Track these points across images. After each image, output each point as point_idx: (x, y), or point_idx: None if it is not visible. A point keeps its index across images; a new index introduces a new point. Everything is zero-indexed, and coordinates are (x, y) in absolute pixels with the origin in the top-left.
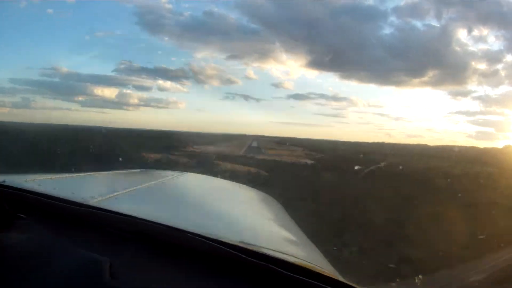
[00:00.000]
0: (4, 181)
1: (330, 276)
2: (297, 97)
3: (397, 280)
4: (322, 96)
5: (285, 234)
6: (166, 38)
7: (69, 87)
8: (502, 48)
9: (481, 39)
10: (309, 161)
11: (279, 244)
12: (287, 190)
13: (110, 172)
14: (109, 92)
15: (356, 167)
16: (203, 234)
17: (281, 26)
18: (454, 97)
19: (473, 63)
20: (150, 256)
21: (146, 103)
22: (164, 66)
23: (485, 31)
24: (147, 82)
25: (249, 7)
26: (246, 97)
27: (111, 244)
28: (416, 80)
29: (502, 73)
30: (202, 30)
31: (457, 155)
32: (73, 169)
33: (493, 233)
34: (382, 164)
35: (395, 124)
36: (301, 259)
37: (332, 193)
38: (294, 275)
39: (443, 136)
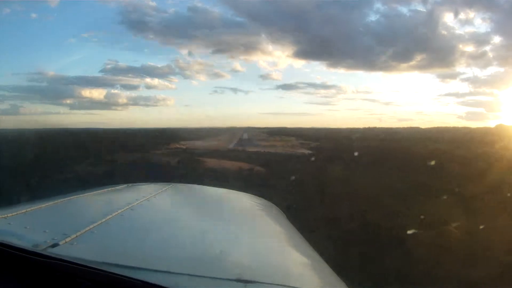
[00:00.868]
0: None
1: None
2: (286, 87)
3: None
4: (310, 85)
5: (290, 255)
6: (151, 36)
7: (56, 90)
8: (489, 30)
9: (467, 22)
10: (306, 151)
11: (283, 274)
12: (292, 193)
13: (89, 193)
14: (97, 93)
15: (356, 154)
16: None
17: (266, 17)
18: (443, 80)
19: (460, 45)
20: None
21: (135, 102)
22: (151, 64)
23: (471, 13)
24: (135, 80)
25: (234, 0)
26: (234, 90)
27: None
28: (404, 65)
29: (490, 54)
30: (187, 26)
31: (454, 136)
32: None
33: None
34: (387, 150)
35: (385, 109)
36: None
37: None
38: None
39: (433, 118)
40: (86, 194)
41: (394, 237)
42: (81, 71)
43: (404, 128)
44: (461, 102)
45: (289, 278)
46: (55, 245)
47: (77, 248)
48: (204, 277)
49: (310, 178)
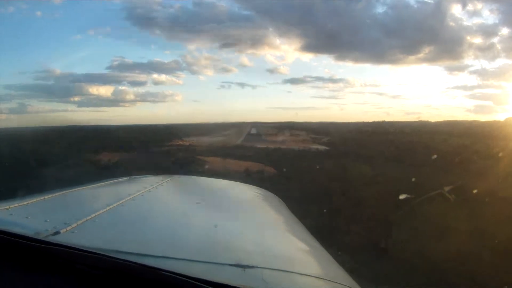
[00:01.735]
0: None
1: None
2: (293, 81)
3: None
4: (318, 78)
5: (290, 243)
6: (158, 32)
7: (64, 88)
8: (497, 21)
9: (475, 13)
10: (319, 147)
11: (282, 260)
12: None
13: (93, 185)
14: (104, 90)
15: (376, 149)
16: (181, 273)
17: (273, 10)
18: (451, 72)
19: (468, 37)
20: None
21: (143, 98)
22: (158, 59)
23: (479, 5)
24: (142, 77)
25: None
26: (242, 85)
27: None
28: (412, 57)
29: (498, 46)
30: (193, 20)
31: (467, 130)
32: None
33: None
34: (405, 145)
35: (393, 102)
36: (312, 275)
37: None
38: None
39: (441, 112)
40: (87, 186)
41: None
42: (87, 68)
43: (413, 122)
44: (469, 95)
45: (288, 264)
46: (56, 233)
47: (78, 236)
48: (202, 262)
49: (331, 184)
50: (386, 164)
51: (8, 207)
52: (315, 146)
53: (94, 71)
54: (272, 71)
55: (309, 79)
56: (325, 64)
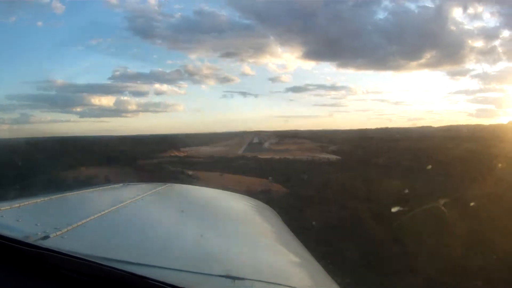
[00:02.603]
0: None
1: None
2: (295, 89)
3: None
4: (320, 86)
5: (282, 255)
6: (159, 41)
7: (66, 98)
8: (498, 24)
9: (476, 16)
10: (329, 156)
11: (273, 272)
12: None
13: (86, 190)
14: (107, 101)
15: (389, 157)
16: (169, 282)
17: (274, 19)
18: (453, 77)
19: (469, 41)
20: None
21: (145, 108)
22: (160, 69)
23: (480, 8)
24: (144, 87)
25: (240, 2)
26: (244, 94)
27: None
28: (414, 63)
29: (500, 49)
30: (195, 29)
31: (474, 134)
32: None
33: None
34: (421, 152)
35: (395, 109)
36: None
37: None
38: None
39: (443, 117)
40: (80, 191)
41: None
42: (89, 78)
43: (417, 128)
44: (471, 100)
45: (279, 276)
46: (46, 238)
47: (68, 241)
48: (192, 272)
49: (377, 207)
50: (416, 175)
51: None
52: (324, 156)
53: (96, 81)
54: (274, 79)
55: (311, 87)
56: (326, 71)
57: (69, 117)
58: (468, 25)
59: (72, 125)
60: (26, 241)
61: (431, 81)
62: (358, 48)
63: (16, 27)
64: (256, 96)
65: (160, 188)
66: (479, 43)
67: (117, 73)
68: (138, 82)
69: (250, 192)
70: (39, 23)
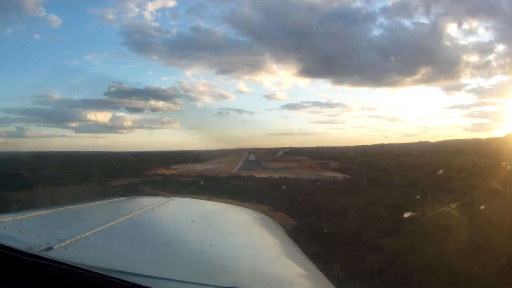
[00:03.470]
0: None
1: None
2: (291, 106)
3: None
4: (315, 103)
5: (286, 266)
6: (155, 57)
7: (62, 113)
8: (492, 38)
9: (471, 31)
10: (335, 174)
11: (277, 283)
12: None
13: (90, 203)
14: (102, 116)
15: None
16: None
17: (270, 36)
18: (448, 92)
19: (464, 56)
20: None
21: (140, 124)
22: (155, 86)
23: (474, 23)
24: (139, 103)
25: (236, 19)
26: (239, 111)
27: None
28: (409, 79)
29: (494, 63)
30: (190, 46)
31: (474, 149)
32: None
33: None
34: (430, 169)
35: (390, 125)
36: None
37: None
38: None
39: (439, 132)
40: (84, 204)
41: None
42: (85, 93)
43: (414, 144)
44: (466, 114)
45: (283, 287)
46: (49, 249)
47: (71, 252)
48: (197, 283)
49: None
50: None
51: (2, 220)
52: (329, 174)
53: (92, 96)
54: (269, 97)
55: (306, 104)
56: (322, 88)
57: (65, 132)
58: (463, 40)
59: (67, 140)
60: (30, 252)
61: (427, 97)
62: (354, 65)
63: (13, 41)
64: (251, 113)
65: (164, 201)
66: (473, 58)
67: (113, 88)
68: (134, 98)
69: None
70: (36, 36)
